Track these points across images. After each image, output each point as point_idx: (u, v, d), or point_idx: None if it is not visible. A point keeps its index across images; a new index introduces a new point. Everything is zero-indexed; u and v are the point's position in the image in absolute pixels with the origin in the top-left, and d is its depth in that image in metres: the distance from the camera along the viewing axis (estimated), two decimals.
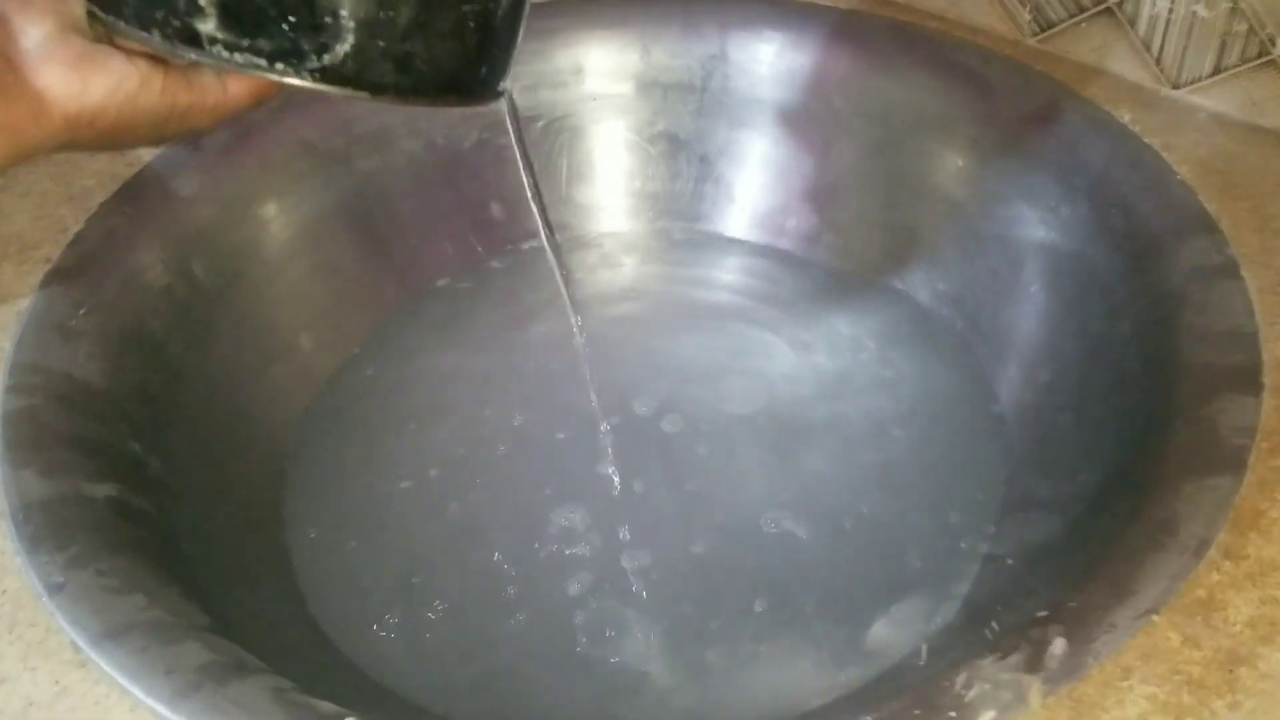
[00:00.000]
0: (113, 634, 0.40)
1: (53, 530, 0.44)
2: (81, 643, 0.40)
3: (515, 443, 0.63)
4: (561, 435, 0.63)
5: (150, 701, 0.38)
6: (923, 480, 0.60)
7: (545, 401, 0.64)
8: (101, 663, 0.39)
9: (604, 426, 0.61)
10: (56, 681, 0.39)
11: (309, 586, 0.56)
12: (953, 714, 0.38)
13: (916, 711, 0.38)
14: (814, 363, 0.66)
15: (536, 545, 0.57)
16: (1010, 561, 0.54)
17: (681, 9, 0.71)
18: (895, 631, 0.53)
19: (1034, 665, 0.39)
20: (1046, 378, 0.59)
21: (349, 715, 0.39)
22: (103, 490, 0.47)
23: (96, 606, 0.41)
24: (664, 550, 0.57)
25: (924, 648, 0.51)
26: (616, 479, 0.60)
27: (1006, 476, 0.58)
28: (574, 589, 0.55)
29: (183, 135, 0.43)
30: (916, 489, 0.59)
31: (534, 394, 0.65)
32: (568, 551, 0.57)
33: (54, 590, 0.42)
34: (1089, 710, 0.38)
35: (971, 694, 0.38)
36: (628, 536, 0.58)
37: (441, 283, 0.71)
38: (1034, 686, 0.38)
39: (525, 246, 0.72)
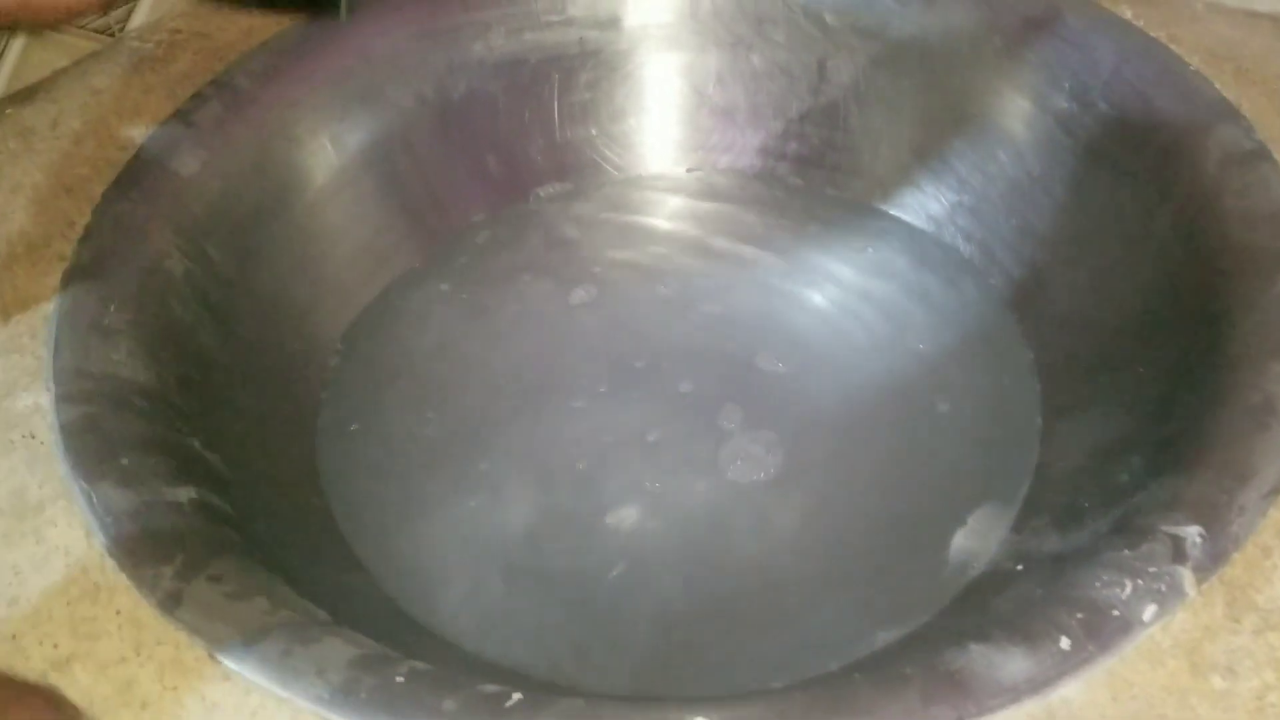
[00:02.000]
0: (251, 641, 0.39)
1: (152, 542, 0.42)
2: (221, 655, 0.38)
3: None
4: (583, 384, 0.62)
5: (314, 706, 0.37)
6: (961, 393, 0.60)
7: (566, 351, 0.64)
8: (249, 673, 0.38)
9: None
10: (204, 698, 0.37)
11: (361, 550, 0.55)
12: (1116, 612, 0.39)
13: (1079, 615, 0.39)
14: (832, 297, 0.66)
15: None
16: (1071, 463, 0.56)
17: None
18: (978, 542, 0.54)
19: (1180, 556, 0.40)
20: (1083, 276, 0.60)
21: (515, 692, 0.38)
22: (185, 493, 0.45)
23: (224, 616, 0.40)
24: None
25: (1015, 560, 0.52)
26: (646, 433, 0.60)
27: (1048, 384, 0.60)
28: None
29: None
30: (954, 405, 0.60)
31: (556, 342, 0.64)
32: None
33: (174, 604, 0.40)
34: (1242, 592, 0.39)
35: (1127, 590, 0.39)
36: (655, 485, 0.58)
37: (455, 230, 0.69)
38: (1186, 575, 0.39)
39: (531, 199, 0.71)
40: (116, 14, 0.64)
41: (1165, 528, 0.41)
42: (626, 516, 0.56)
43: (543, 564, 0.55)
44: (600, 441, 0.59)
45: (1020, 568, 0.51)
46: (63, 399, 0.46)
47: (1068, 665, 0.37)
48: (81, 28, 0.62)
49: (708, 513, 0.56)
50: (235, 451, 0.52)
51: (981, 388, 0.61)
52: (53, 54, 0.62)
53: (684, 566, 0.55)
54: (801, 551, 0.55)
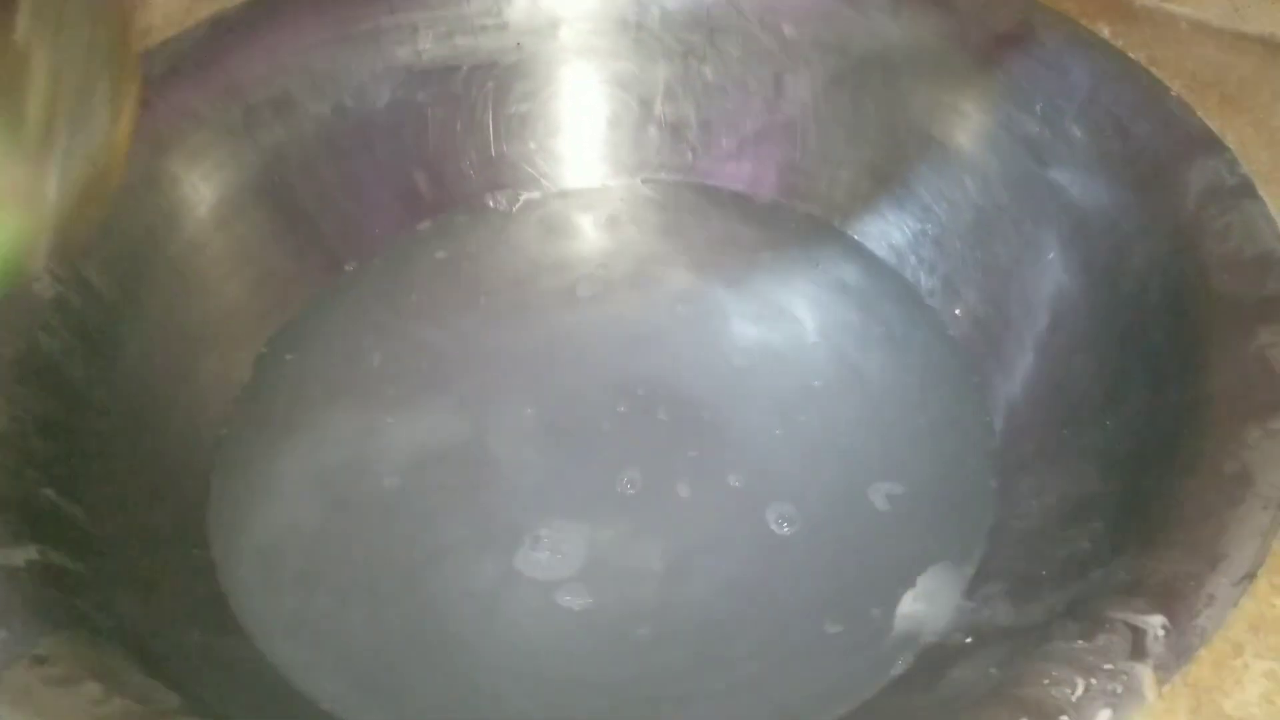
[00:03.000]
0: None
1: None
2: None
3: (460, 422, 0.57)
4: (503, 419, 0.57)
5: None
6: (913, 443, 0.56)
7: (495, 379, 0.59)
8: None
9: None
10: None
11: (242, 610, 0.50)
12: (1064, 717, 0.34)
13: (1024, 719, 0.34)
14: (782, 331, 0.61)
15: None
16: (1029, 524, 0.51)
17: None
18: (927, 606, 0.50)
19: (1139, 652, 0.35)
20: (1048, 319, 0.55)
21: None
22: (23, 555, 0.40)
23: (45, 708, 0.35)
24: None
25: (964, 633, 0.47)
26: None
27: (1010, 433, 0.55)
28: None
29: None
30: (905, 454, 0.55)
31: (485, 373, 0.59)
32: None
33: None
34: (1209, 696, 0.35)
35: (1078, 691, 0.34)
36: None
37: (376, 260, 0.63)
38: (1146, 675, 0.34)
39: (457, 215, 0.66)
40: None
41: (1124, 616, 0.36)
42: (549, 577, 0.51)
43: (446, 631, 0.50)
44: (518, 492, 0.54)
45: (969, 640, 0.46)
46: None
47: None
48: None
49: (627, 575, 0.52)
50: (104, 502, 0.47)
51: (936, 436, 0.56)
52: None
53: (604, 637, 0.50)
54: (735, 613, 0.51)
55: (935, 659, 0.47)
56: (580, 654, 0.50)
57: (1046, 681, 0.35)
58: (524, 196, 0.67)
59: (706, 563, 0.52)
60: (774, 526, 0.53)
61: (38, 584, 0.39)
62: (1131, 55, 0.56)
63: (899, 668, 0.47)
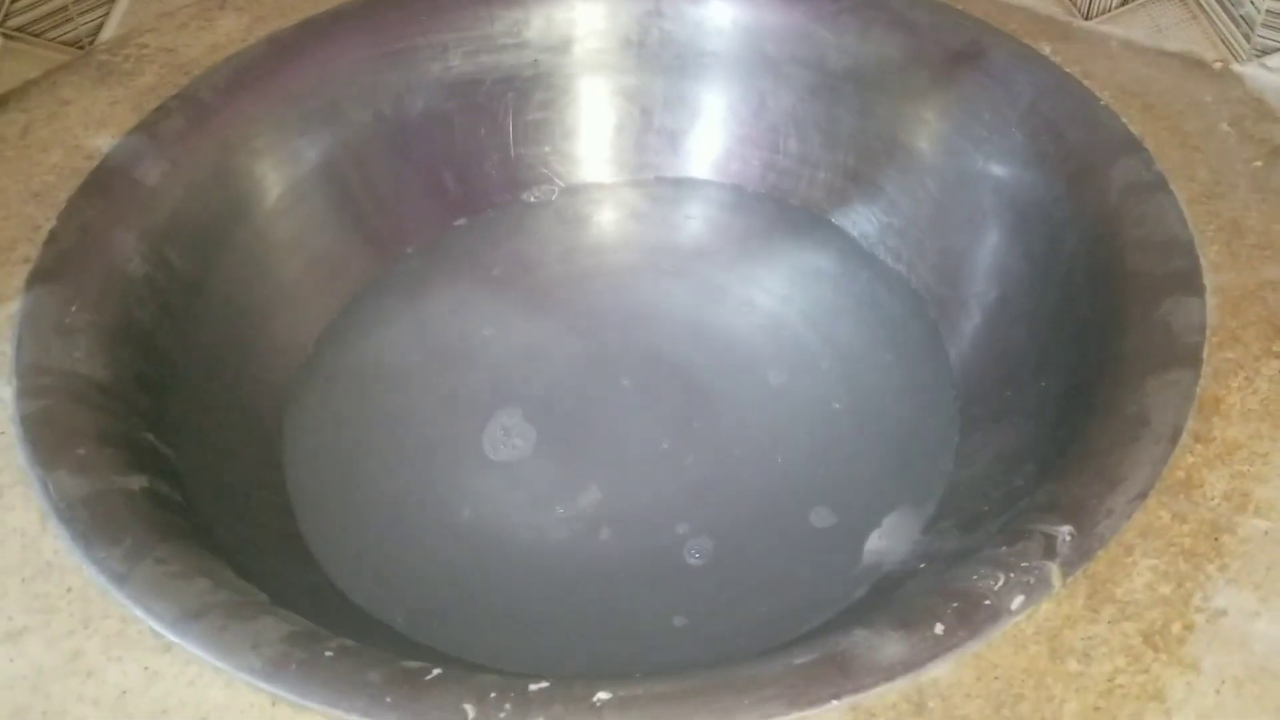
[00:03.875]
0: (191, 617, 0.42)
1: (102, 525, 0.45)
2: (163, 629, 0.41)
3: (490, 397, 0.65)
4: (529, 388, 0.66)
5: (245, 676, 0.40)
6: (883, 404, 0.64)
7: (510, 360, 0.67)
8: (188, 645, 0.41)
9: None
10: (145, 667, 0.40)
11: (320, 552, 0.58)
12: (987, 602, 0.42)
13: (955, 604, 0.42)
14: (765, 306, 0.70)
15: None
16: (978, 470, 0.59)
17: None
18: (890, 542, 0.58)
19: (1050, 552, 0.43)
20: (995, 295, 0.64)
21: (435, 668, 0.41)
22: (136, 483, 0.48)
23: (167, 593, 0.43)
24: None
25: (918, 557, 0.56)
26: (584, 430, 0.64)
27: (963, 395, 0.63)
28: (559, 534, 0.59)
29: None
30: (877, 413, 0.64)
31: (505, 354, 0.68)
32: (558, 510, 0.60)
33: (121, 582, 0.43)
34: (1103, 585, 0.43)
35: (999, 583, 0.43)
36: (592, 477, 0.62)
37: (410, 249, 0.72)
38: (1054, 570, 0.43)
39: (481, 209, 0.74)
40: (86, 27, 0.67)
41: (1041, 527, 0.45)
42: (570, 517, 0.60)
43: (486, 563, 0.58)
44: (548, 447, 0.63)
45: (923, 566, 0.54)
46: (23, 393, 0.49)
47: (939, 649, 0.40)
48: (52, 40, 0.65)
49: (644, 510, 0.60)
50: (190, 447, 0.55)
51: (901, 399, 0.64)
52: (23, 65, 0.65)
53: (615, 564, 0.58)
54: (724, 551, 0.59)
55: (893, 581, 0.55)
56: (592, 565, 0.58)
57: (975, 577, 0.43)
58: (540, 193, 0.75)
59: (710, 504, 0.60)
60: (752, 475, 0.62)
61: (150, 505, 0.48)
62: (1068, 70, 0.64)
63: (862, 590, 0.56)
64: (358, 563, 0.57)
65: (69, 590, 0.43)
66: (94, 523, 0.45)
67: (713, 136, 0.75)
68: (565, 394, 0.65)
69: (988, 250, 0.64)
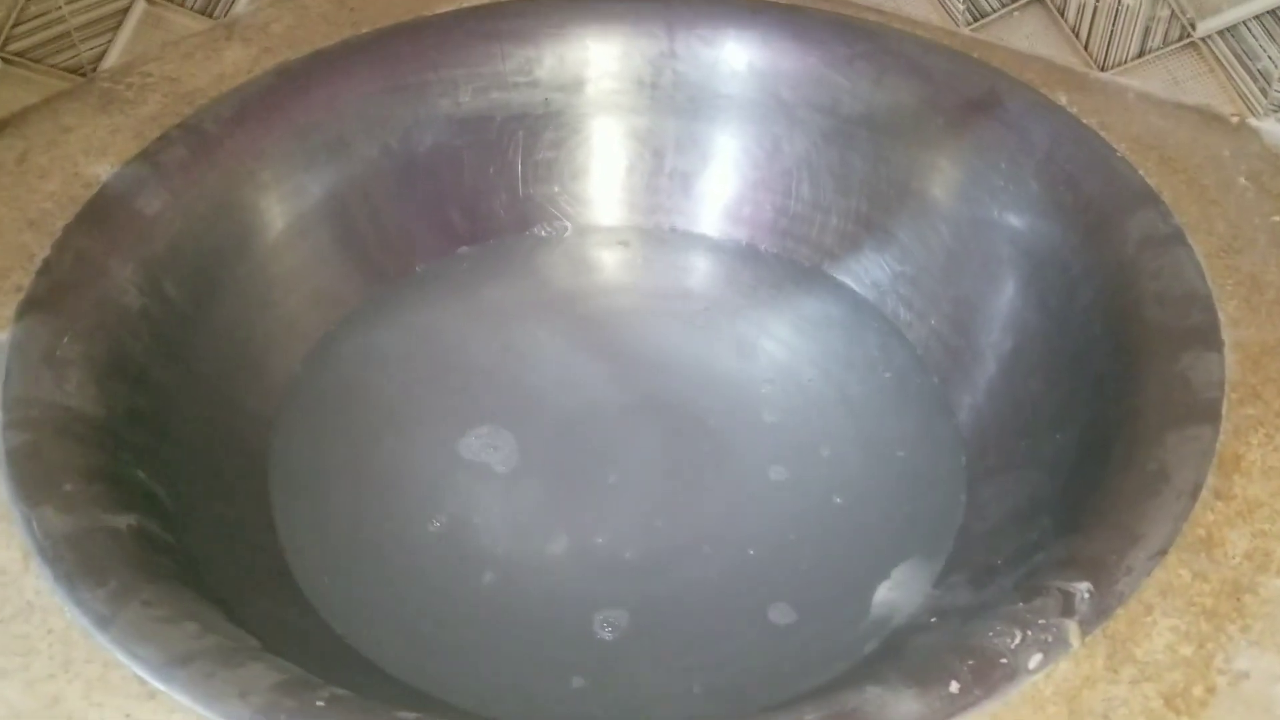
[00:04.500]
0: (177, 663, 0.40)
1: (87, 565, 0.43)
2: (148, 675, 0.40)
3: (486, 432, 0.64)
4: (524, 417, 0.64)
5: None
6: (893, 459, 0.63)
7: (505, 395, 0.66)
8: (174, 692, 0.39)
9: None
10: (128, 715, 0.39)
11: (305, 581, 0.56)
12: (1004, 660, 0.41)
13: (970, 661, 0.41)
14: (774, 353, 0.69)
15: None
16: (990, 524, 0.58)
17: (629, 10, 0.72)
18: (899, 594, 0.56)
19: (1068, 610, 0.42)
20: (1010, 345, 0.62)
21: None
22: (124, 521, 0.46)
23: (152, 638, 0.41)
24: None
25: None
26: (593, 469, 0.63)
27: (976, 446, 0.62)
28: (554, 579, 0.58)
29: None
30: (885, 462, 0.63)
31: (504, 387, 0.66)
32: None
33: (105, 625, 0.41)
34: (1122, 645, 0.41)
35: (1016, 640, 0.41)
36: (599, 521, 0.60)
37: (412, 276, 0.71)
38: (1072, 628, 0.41)
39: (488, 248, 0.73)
40: (89, 54, 0.66)
41: (1058, 583, 0.43)
42: (571, 555, 0.58)
43: (484, 603, 0.56)
44: (548, 486, 0.62)
45: (934, 620, 0.53)
46: (9, 426, 0.48)
47: (954, 708, 0.39)
48: (53, 66, 0.65)
49: (645, 556, 0.59)
50: (181, 483, 0.53)
51: (911, 450, 0.63)
52: (23, 91, 0.64)
53: (622, 599, 0.56)
54: (732, 601, 0.57)
55: (903, 637, 0.53)
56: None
57: (991, 634, 0.42)
58: (547, 233, 0.74)
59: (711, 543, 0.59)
60: (760, 525, 0.60)
61: (138, 545, 0.46)
62: (1085, 121, 0.64)
63: (872, 645, 0.54)
64: (348, 600, 0.55)
65: (50, 632, 0.41)
66: (79, 562, 0.43)
67: (725, 180, 0.74)
68: (562, 430, 0.64)
69: (1002, 300, 0.63)
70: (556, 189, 0.75)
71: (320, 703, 0.40)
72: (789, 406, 0.65)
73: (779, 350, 0.69)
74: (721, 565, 0.58)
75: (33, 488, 0.46)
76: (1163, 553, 0.44)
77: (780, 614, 0.56)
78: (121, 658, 0.40)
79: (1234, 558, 0.44)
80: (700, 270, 0.74)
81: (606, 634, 0.55)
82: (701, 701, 0.53)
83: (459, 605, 0.56)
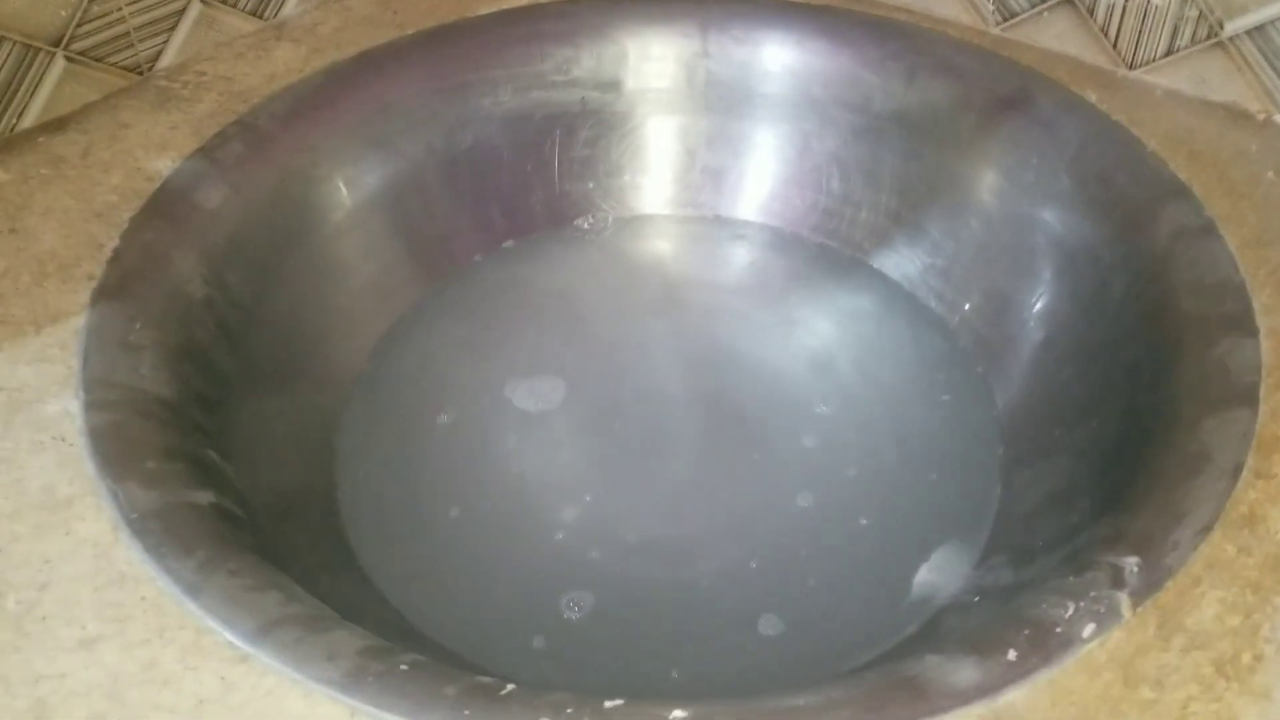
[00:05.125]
0: (267, 629, 0.42)
1: (174, 538, 0.45)
2: (238, 640, 0.41)
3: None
4: (572, 406, 0.66)
5: (323, 687, 0.40)
6: (928, 444, 0.65)
7: (567, 382, 0.68)
8: (264, 656, 0.41)
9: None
10: (222, 678, 0.40)
11: (375, 573, 0.58)
12: (1059, 629, 0.42)
13: (1026, 631, 0.42)
14: (809, 345, 0.70)
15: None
16: (1028, 507, 0.60)
17: (664, 10, 0.74)
18: (940, 576, 0.58)
19: (1118, 583, 0.44)
20: (1041, 336, 0.64)
21: (509, 683, 0.41)
22: (205, 497, 0.48)
23: (241, 605, 0.43)
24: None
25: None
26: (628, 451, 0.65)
27: (1010, 433, 0.64)
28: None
29: None
30: (922, 454, 0.64)
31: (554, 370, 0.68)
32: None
33: (195, 593, 0.43)
34: (1172, 615, 0.43)
35: (1070, 611, 0.43)
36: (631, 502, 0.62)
37: (458, 268, 0.73)
38: (1124, 599, 0.43)
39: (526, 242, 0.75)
40: (146, 54, 0.68)
41: (1107, 558, 0.45)
42: (615, 543, 0.60)
43: (535, 585, 0.58)
44: (596, 473, 0.63)
45: (977, 599, 0.54)
46: (91, 406, 0.49)
47: (1013, 674, 0.41)
48: (113, 65, 0.66)
49: (689, 545, 0.60)
50: (247, 466, 0.55)
51: (947, 437, 0.65)
52: (84, 88, 0.66)
53: (664, 590, 0.58)
54: (775, 586, 0.59)
55: (946, 615, 0.55)
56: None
57: (1044, 605, 0.43)
58: (584, 228, 0.76)
59: (756, 535, 0.61)
60: (799, 505, 0.62)
61: (218, 520, 0.48)
62: (1114, 117, 0.66)
63: (915, 624, 0.56)
64: (410, 582, 0.57)
65: (143, 599, 0.43)
66: (167, 535, 0.45)
67: (757, 176, 0.76)
68: (608, 414, 0.66)
69: (1034, 292, 0.65)
70: (591, 185, 0.77)
71: (404, 666, 0.41)
72: (824, 395, 0.67)
73: (813, 340, 0.70)
74: (756, 548, 0.60)
75: (118, 464, 0.47)
76: (1208, 529, 0.46)
77: (821, 592, 0.58)
78: (213, 624, 0.42)
79: (1277, 533, 0.46)
80: (733, 262, 0.76)
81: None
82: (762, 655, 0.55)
83: (507, 583, 0.58)
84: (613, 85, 0.75)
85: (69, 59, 0.64)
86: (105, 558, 0.44)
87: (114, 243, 0.57)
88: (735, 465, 0.64)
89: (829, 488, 0.62)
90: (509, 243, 0.74)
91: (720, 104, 0.75)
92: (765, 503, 0.62)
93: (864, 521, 0.61)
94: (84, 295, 0.55)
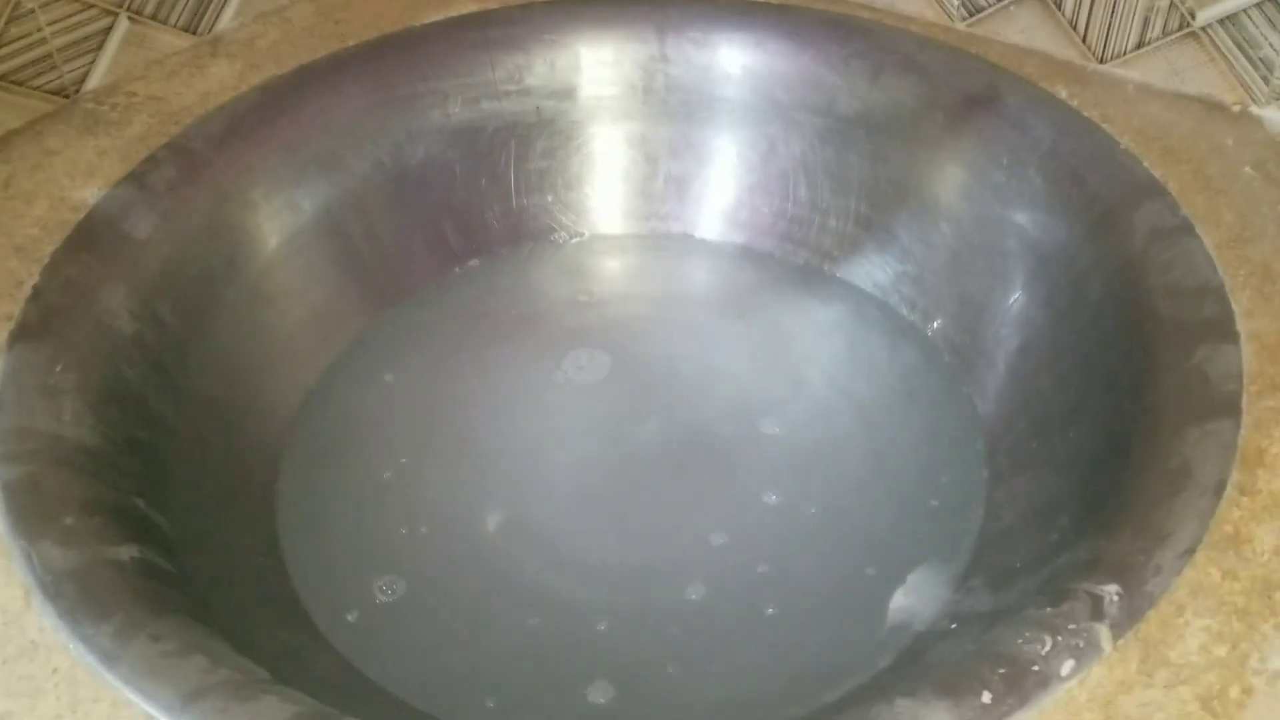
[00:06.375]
0: (189, 699, 0.39)
1: (91, 601, 0.42)
2: (159, 713, 0.39)
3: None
4: (533, 438, 0.63)
5: None
6: (904, 460, 0.62)
7: (523, 411, 0.65)
8: None
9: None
10: None
11: (323, 624, 0.55)
12: (1036, 667, 0.40)
13: (1001, 670, 0.40)
14: (780, 361, 0.68)
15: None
16: (1007, 524, 0.57)
17: (618, 13, 0.72)
18: (918, 600, 0.55)
19: (1098, 614, 0.41)
20: (1017, 343, 0.62)
21: None
22: (126, 553, 0.45)
23: (162, 673, 0.40)
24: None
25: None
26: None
27: (987, 446, 0.61)
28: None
29: None
30: (899, 470, 0.62)
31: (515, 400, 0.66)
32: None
33: (112, 662, 0.40)
34: (1155, 648, 0.40)
35: (1047, 647, 0.40)
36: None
37: (410, 292, 0.70)
38: (1104, 632, 0.40)
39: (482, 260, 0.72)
40: (71, 75, 0.65)
41: (1085, 586, 0.42)
42: (582, 580, 0.57)
43: (494, 629, 0.55)
44: (561, 500, 0.61)
45: (954, 626, 0.52)
46: (5, 458, 0.47)
47: (988, 719, 0.38)
48: (35, 88, 0.63)
49: (656, 571, 0.58)
50: (183, 512, 0.52)
51: (926, 452, 0.62)
52: (6, 114, 0.63)
53: (632, 627, 0.55)
54: (747, 610, 0.56)
55: (924, 644, 0.53)
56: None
57: (1020, 641, 0.41)
58: (542, 244, 0.73)
59: (723, 558, 0.58)
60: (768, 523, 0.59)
61: (142, 577, 0.45)
62: (1086, 114, 0.63)
63: (892, 653, 0.53)
64: (358, 626, 0.54)
65: (55, 671, 0.40)
66: (82, 597, 0.42)
67: (721, 184, 0.73)
68: (567, 445, 0.63)
69: (1008, 297, 0.63)
70: (550, 198, 0.74)
71: None
72: (795, 412, 0.64)
73: (784, 354, 0.68)
74: (727, 572, 0.57)
75: (32, 521, 0.45)
76: (1190, 551, 0.43)
77: (791, 620, 0.55)
78: (131, 695, 0.39)
79: (1263, 554, 0.43)
80: (699, 276, 0.73)
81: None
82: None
83: (464, 630, 0.55)
84: (567, 93, 0.72)
85: None
86: (16, 625, 0.41)
87: (34, 279, 0.54)
88: (702, 483, 0.61)
89: (801, 506, 0.60)
90: (465, 263, 0.71)
91: (681, 110, 0.73)
92: (733, 521, 0.59)
93: (837, 543, 0.58)
94: (1, 338, 0.52)
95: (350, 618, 0.54)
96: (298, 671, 0.46)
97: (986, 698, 0.39)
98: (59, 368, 0.51)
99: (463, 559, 0.58)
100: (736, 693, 0.53)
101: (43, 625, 0.41)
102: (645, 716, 0.52)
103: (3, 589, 0.42)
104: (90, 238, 0.57)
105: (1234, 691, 0.39)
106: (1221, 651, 0.41)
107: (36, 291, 0.54)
